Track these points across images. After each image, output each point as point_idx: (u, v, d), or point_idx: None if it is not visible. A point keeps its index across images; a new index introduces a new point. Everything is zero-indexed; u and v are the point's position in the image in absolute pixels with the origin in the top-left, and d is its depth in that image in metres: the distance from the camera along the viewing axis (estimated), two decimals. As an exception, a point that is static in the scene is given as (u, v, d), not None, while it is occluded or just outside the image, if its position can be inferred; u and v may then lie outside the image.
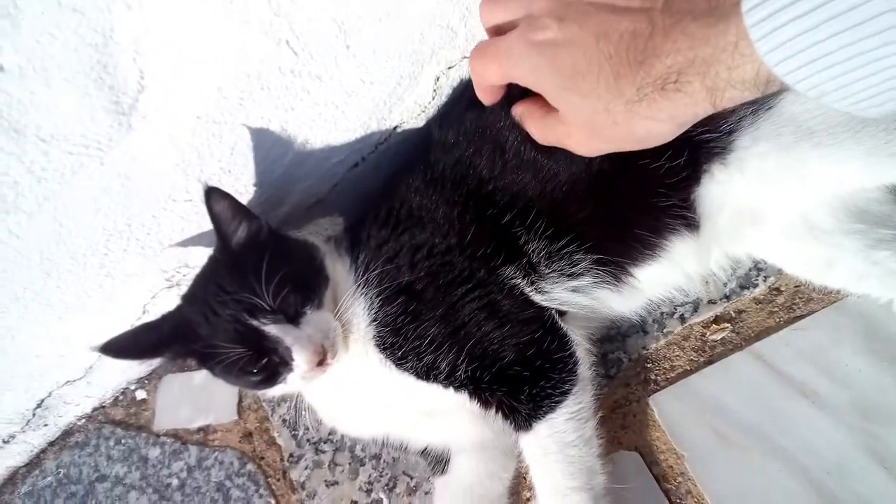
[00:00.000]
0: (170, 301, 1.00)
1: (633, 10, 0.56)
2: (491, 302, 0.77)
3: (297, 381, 0.77)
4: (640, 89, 0.56)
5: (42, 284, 0.87)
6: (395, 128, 0.91)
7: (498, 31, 0.67)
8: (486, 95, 0.70)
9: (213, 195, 0.78)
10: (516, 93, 0.69)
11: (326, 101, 0.83)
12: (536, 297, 0.79)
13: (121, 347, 0.79)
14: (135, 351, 0.80)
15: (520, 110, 0.71)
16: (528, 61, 0.62)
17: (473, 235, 0.78)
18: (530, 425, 0.76)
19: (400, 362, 0.78)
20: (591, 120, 0.61)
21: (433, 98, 0.90)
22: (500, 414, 0.78)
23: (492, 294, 0.77)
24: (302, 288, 0.77)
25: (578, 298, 0.81)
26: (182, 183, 0.84)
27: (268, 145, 0.85)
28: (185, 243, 0.92)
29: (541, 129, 0.69)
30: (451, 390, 0.78)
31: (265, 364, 0.76)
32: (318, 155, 0.89)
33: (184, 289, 0.99)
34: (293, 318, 0.76)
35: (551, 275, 0.79)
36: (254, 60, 0.74)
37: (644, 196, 0.78)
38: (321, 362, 0.75)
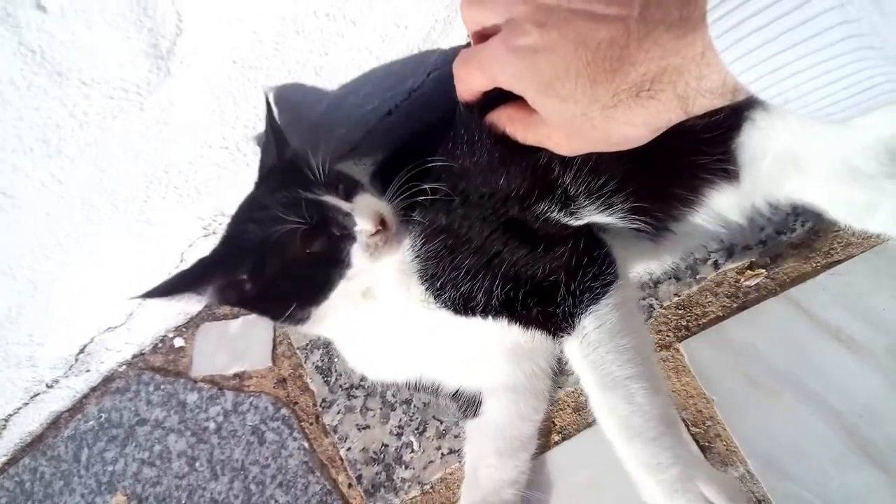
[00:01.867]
0: (207, 249, 1.02)
1: (610, 18, 0.58)
2: (526, 231, 0.77)
3: (361, 255, 0.75)
4: (616, 95, 0.58)
5: (84, 230, 0.89)
6: (429, 74, 0.91)
7: (481, 33, 0.70)
8: (473, 100, 0.75)
9: (271, 112, 0.81)
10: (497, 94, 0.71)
11: (360, 46, 0.83)
12: (573, 223, 0.78)
13: (162, 289, 0.77)
14: (177, 287, 0.77)
15: (503, 114, 0.74)
16: (511, 67, 0.65)
17: (508, 175, 0.78)
18: (572, 323, 0.73)
19: (439, 293, 0.78)
20: (571, 123, 0.64)
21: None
22: (538, 327, 0.76)
23: (527, 225, 0.77)
24: (349, 181, 0.80)
25: (615, 225, 0.80)
26: (218, 129, 0.85)
27: (303, 91, 0.85)
28: (222, 191, 0.94)
29: (523, 131, 0.72)
30: (489, 320, 0.77)
31: (325, 241, 0.74)
32: (352, 101, 0.90)
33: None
34: (345, 197, 0.77)
35: (588, 206, 0.79)
36: (289, 2, 0.74)
37: (683, 154, 0.77)
38: (383, 224, 0.75)
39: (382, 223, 0.75)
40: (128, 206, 0.88)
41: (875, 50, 0.43)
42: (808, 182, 0.78)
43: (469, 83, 0.72)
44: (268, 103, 0.80)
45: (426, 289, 0.79)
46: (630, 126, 0.60)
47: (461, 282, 0.77)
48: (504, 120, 0.74)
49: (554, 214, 0.78)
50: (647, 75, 0.56)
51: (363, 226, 0.74)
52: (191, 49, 0.74)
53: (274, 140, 0.82)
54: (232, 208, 0.97)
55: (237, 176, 0.92)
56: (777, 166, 0.78)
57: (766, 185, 0.80)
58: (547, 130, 0.68)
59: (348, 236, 0.74)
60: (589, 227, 0.78)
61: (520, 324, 0.78)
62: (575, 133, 0.65)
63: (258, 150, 0.90)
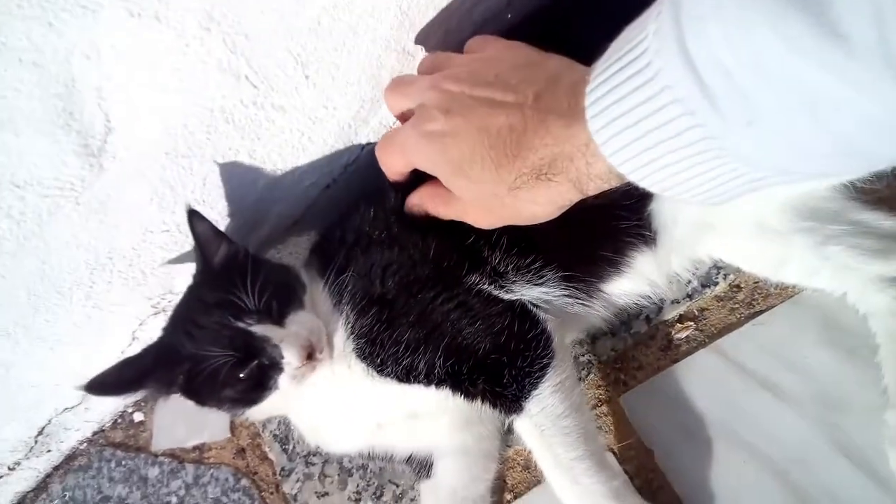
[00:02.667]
0: (157, 326, 1.03)
1: (507, 105, 0.62)
2: (461, 303, 0.80)
3: (289, 383, 0.78)
4: (518, 178, 0.62)
5: (32, 319, 0.90)
6: (363, 148, 0.94)
7: (402, 116, 0.75)
8: (399, 181, 0.79)
9: (195, 217, 0.82)
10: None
11: (292, 129, 0.86)
12: (505, 296, 0.81)
13: (104, 384, 0.80)
14: (119, 386, 0.82)
15: (423, 193, 0.78)
16: (423, 150, 0.69)
17: (436, 251, 0.81)
18: (519, 406, 0.78)
19: (380, 368, 0.80)
20: (483, 202, 0.68)
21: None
22: (486, 403, 0.80)
23: (460, 297, 0.80)
24: (283, 293, 0.81)
25: (548, 298, 0.83)
26: (158, 216, 0.87)
27: (239, 173, 0.88)
28: (167, 271, 0.96)
29: (443, 207, 0.76)
30: (432, 388, 0.80)
31: (254, 368, 0.78)
32: (290, 179, 0.92)
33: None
34: (278, 319, 0.79)
35: (518, 281, 0.82)
36: (216, 97, 0.77)
37: (606, 219, 0.81)
38: (310, 356, 0.78)
39: (310, 354, 0.78)
40: (73, 292, 0.90)
41: (727, 150, 0.46)
42: (722, 241, 0.82)
43: (390, 166, 0.76)
44: (189, 213, 0.82)
45: (367, 364, 0.81)
46: (535, 204, 0.64)
47: (402, 356, 0.79)
48: (424, 199, 0.77)
49: (486, 287, 0.81)
50: (543, 160, 0.59)
51: (290, 359, 0.77)
52: (122, 145, 0.76)
53: (199, 248, 0.84)
54: (179, 286, 0.99)
55: (181, 255, 0.94)
56: (690, 230, 0.81)
57: (681, 247, 0.83)
58: (463, 207, 0.73)
59: (277, 366, 0.78)
60: (523, 305, 0.81)
61: (465, 396, 0.80)
62: (488, 210, 0.70)
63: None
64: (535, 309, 0.81)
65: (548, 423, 0.77)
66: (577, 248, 0.81)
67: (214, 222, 0.91)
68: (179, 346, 0.80)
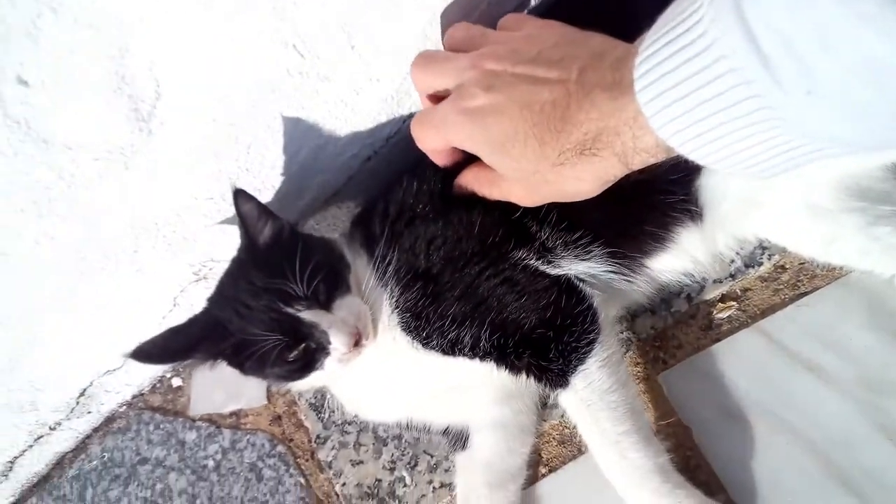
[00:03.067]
0: (198, 294, 1.05)
1: (551, 81, 0.61)
2: (507, 278, 0.80)
3: (335, 364, 0.81)
4: (562, 154, 0.62)
5: (78, 281, 0.92)
6: (405, 121, 0.94)
7: (433, 95, 0.74)
8: (439, 159, 0.78)
9: (241, 196, 0.81)
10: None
11: (336, 100, 0.86)
12: (551, 271, 0.81)
13: (150, 353, 0.82)
14: (165, 355, 0.85)
15: (468, 175, 0.78)
16: (463, 128, 0.68)
17: (481, 226, 0.81)
18: (566, 381, 0.78)
19: (426, 341, 0.81)
20: (526, 180, 0.68)
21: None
22: (531, 377, 0.80)
23: (506, 272, 0.80)
24: (330, 276, 0.81)
25: (593, 272, 0.83)
26: (203, 183, 0.88)
27: (283, 143, 0.88)
28: (210, 239, 0.97)
29: (488, 188, 0.76)
30: (477, 361, 0.81)
31: (302, 351, 0.80)
32: (332, 150, 0.92)
33: (211, 282, 1.04)
34: (325, 304, 0.80)
35: (566, 256, 0.82)
36: (263, 65, 0.77)
37: (653, 194, 0.80)
38: (357, 343, 0.79)
39: (357, 341, 0.79)
40: (119, 257, 0.91)
41: (785, 120, 0.45)
42: (769, 219, 0.80)
43: (427, 144, 0.76)
44: (235, 192, 0.82)
45: (412, 338, 0.82)
46: (579, 181, 0.64)
47: (448, 329, 0.79)
48: (470, 180, 0.78)
49: (532, 262, 0.80)
50: (588, 135, 0.59)
51: (338, 346, 0.79)
52: (171, 111, 0.77)
53: (245, 228, 0.84)
54: (221, 253, 1.00)
55: (224, 224, 0.95)
56: (738, 206, 0.80)
57: (728, 224, 0.82)
58: (508, 186, 0.73)
59: (324, 350, 0.79)
60: (569, 280, 0.80)
61: (510, 370, 0.81)
62: (532, 188, 0.70)
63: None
64: (581, 284, 0.81)
65: (594, 397, 0.77)
66: (624, 223, 0.81)
67: (256, 191, 0.92)
68: (227, 321, 0.82)
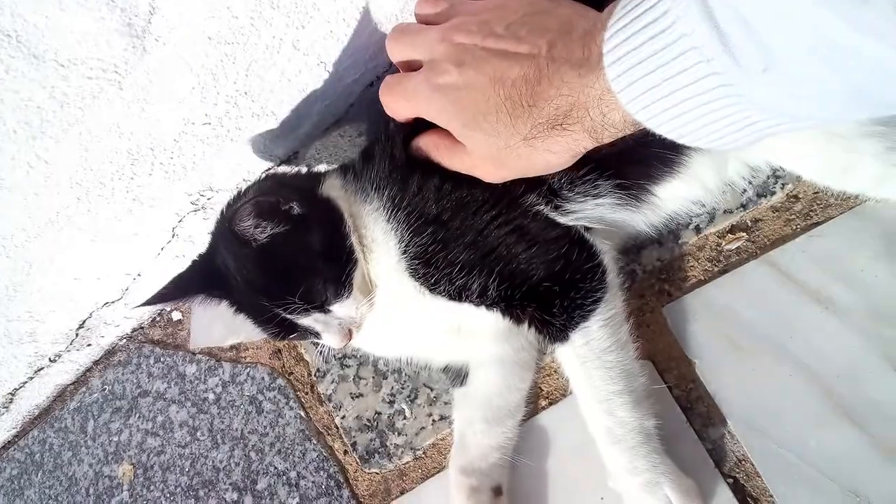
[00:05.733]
0: (196, 225, 1.04)
1: (522, 56, 0.62)
2: (518, 226, 0.78)
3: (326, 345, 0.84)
4: (534, 128, 0.63)
5: (74, 209, 0.91)
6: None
7: (406, 64, 0.75)
8: (403, 122, 0.79)
9: (237, 217, 0.75)
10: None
11: (337, 18, 0.83)
12: (561, 219, 0.80)
13: (160, 296, 0.86)
14: (166, 299, 0.87)
15: (428, 140, 0.77)
16: (434, 103, 0.70)
17: None
18: (566, 336, 0.78)
19: (433, 287, 0.80)
20: (496, 154, 0.68)
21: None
22: (533, 328, 0.80)
23: (517, 220, 0.79)
24: (330, 277, 0.79)
25: (602, 214, 0.82)
26: (199, 107, 0.86)
27: (282, 65, 0.85)
28: (208, 166, 0.95)
29: (448, 159, 0.75)
30: (482, 309, 0.80)
31: (297, 335, 0.83)
32: (334, 74, 0.90)
33: (210, 213, 1.03)
34: (322, 308, 0.79)
35: (574, 198, 0.80)
36: (261, -22, 0.74)
37: None
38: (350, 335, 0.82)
39: (350, 334, 0.82)
40: (115, 183, 0.90)
41: (743, 97, 0.48)
42: (784, 144, 0.78)
43: (395, 111, 0.76)
44: (229, 220, 0.79)
45: (420, 283, 0.81)
46: (550, 153, 0.65)
47: (456, 277, 0.78)
48: (430, 147, 0.77)
49: (542, 208, 0.79)
50: (559, 109, 0.61)
51: (330, 344, 0.82)
52: (166, 27, 0.74)
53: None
54: (219, 183, 0.99)
55: (221, 151, 0.93)
56: None
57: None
58: (472, 161, 0.73)
59: (317, 336, 0.83)
60: (581, 235, 0.79)
61: (513, 319, 0.81)
62: (501, 163, 0.70)
63: (241, 126, 0.91)
64: (592, 239, 0.79)
65: (591, 355, 0.77)
66: (631, 147, 0.78)
67: (255, 116, 0.90)
68: (230, 283, 0.81)
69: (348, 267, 0.80)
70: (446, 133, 0.72)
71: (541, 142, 0.64)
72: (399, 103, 0.75)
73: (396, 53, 0.76)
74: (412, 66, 0.73)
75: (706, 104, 0.49)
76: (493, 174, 0.74)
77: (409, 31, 0.75)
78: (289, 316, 0.79)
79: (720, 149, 0.54)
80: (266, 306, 0.78)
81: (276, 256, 0.78)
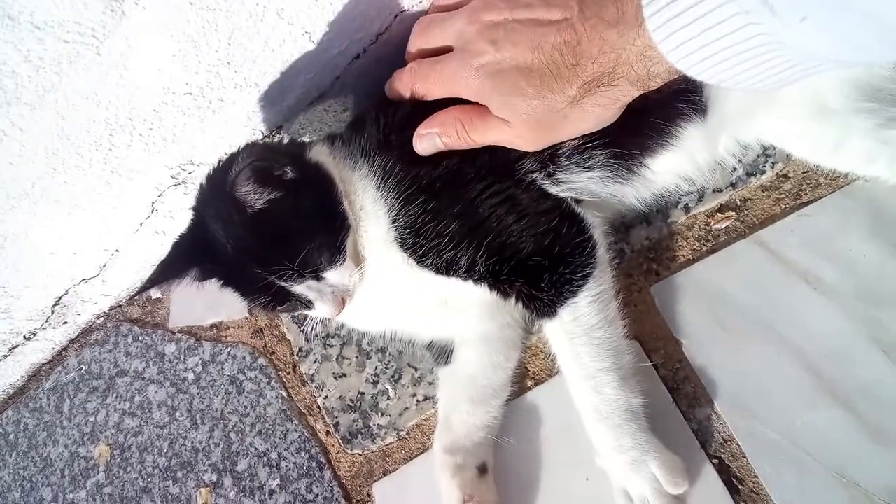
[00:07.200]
0: (176, 200, 1.01)
1: (556, 21, 0.65)
2: (510, 196, 0.77)
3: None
4: (581, 87, 0.65)
5: (50, 180, 0.88)
6: (396, 16, 0.89)
7: (432, 53, 0.78)
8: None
9: (237, 182, 0.73)
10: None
11: (323, -15, 0.81)
12: (552, 189, 0.79)
13: (154, 280, 0.83)
14: (160, 279, 0.83)
15: (452, 116, 0.76)
16: (473, 82, 0.71)
17: None
18: (554, 311, 0.77)
19: (421, 259, 0.79)
20: (541, 119, 0.69)
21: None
22: (520, 303, 0.80)
23: (510, 189, 0.78)
24: (325, 243, 0.77)
25: (593, 187, 0.81)
26: (180, 75, 0.83)
27: (266, 34, 0.83)
28: (188, 138, 0.92)
29: (481, 134, 0.75)
30: (470, 283, 0.79)
31: (287, 305, 0.81)
32: (319, 45, 0.87)
33: (190, 188, 1.00)
34: (316, 274, 0.78)
35: (569, 166, 0.79)
36: (245, -60, 0.72)
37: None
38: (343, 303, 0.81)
39: (343, 302, 0.80)
40: (92, 154, 0.87)
41: (783, 44, 0.50)
42: (776, 119, 0.77)
43: (428, 95, 0.78)
44: (231, 185, 0.74)
45: (408, 254, 0.80)
46: (600, 107, 0.67)
47: (444, 249, 0.77)
48: (457, 122, 0.75)
49: (536, 175, 0.78)
50: (604, 66, 0.62)
51: (323, 312, 0.81)
52: (145, -10, 0.72)
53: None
54: (201, 156, 0.96)
55: (203, 123, 0.90)
56: (744, 102, 0.77)
57: (732, 123, 0.79)
58: (513, 131, 0.72)
59: (308, 306, 0.81)
60: (571, 209, 0.79)
61: (501, 294, 0.80)
62: (546, 128, 0.71)
63: (223, 98, 0.88)
64: (583, 212, 0.79)
65: (579, 331, 0.76)
66: (632, 114, 0.77)
67: (238, 87, 0.88)
68: (219, 259, 0.78)
69: (342, 232, 0.79)
70: (475, 108, 0.74)
71: (588, 99, 0.66)
72: (433, 89, 0.77)
73: (423, 43, 0.79)
74: (432, 54, 0.77)
75: (746, 51, 0.52)
76: (537, 141, 0.74)
77: (436, 20, 0.78)
78: (282, 283, 0.77)
79: (759, 91, 0.57)
80: (259, 274, 0.76)
81: (270, 222, 0.76)
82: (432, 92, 0.77)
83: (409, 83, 0.80)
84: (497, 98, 0.70)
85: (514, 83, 0.67)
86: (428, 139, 0.77)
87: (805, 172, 0.82)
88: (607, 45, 0.60)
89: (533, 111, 0.68)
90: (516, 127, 0.71)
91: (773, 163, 0.83)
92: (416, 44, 0.81)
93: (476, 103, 0.74)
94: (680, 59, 0.56)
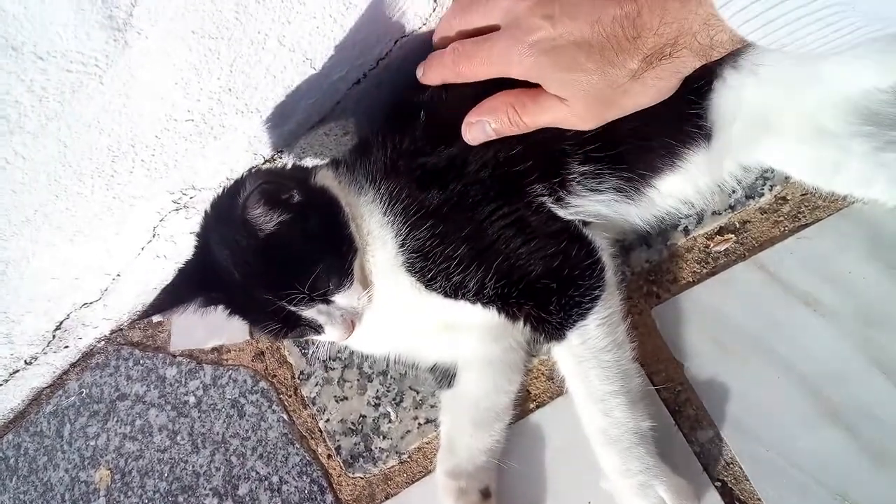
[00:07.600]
0: (178, 224, 1.01)
1: None
2: (518, 219, 0.78)
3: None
4: (643, 60, 0.63)
5: (52, 207, 0.88)
6: (396, 42, 0.90)
7: (473, 34, 0.75)
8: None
9: (248, 206, 0.73)
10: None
11: (323, 14, 0.81)
12: (560, 212, 0.79)
13: (154, 307, 0.84)
14: (164, 305, 0.83)
15: (502, 101, 0.74)
16: (527, 59, 0.69)
17: (518, 153, 0.78)
18: (563, 335, 0.77)
19: (429, 283, 0.79)
20: (600, 96, 0.67)
21: (434, 9, 0.88)
22: (528, 326, 0.79)
23: (519, 211, 0.78)
24: (332, 266, 0.77)
25: (600, 209, 0.81)
26: (182, 102, 0.84)
27: (267, 61, 0.84)
28: (190, 164, 0.93)
29: (535, 115, 0.73)
30: (478, 306, 0.79)
31: (297, 331, 0.81)
32: (320, 71, 0.88)
33: (192, 212, 1.01)
34: (325, 298, 0.77)
35: (579, 191, 0.79)
36: (246, -29, 0.73)
37: (676, 101, 0.76)
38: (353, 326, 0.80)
39: (352, 325, 0.80)
40: (95, 181, 0.87)
41: (849, 5, 0.49)
42: (778, 142, 0.78)
43: (474, 77, 0.75)
44: (242, 208, 0.74)
45: (416, 279, 0.79)
46: (661, 80, 0.65)
47: (453, 272, 0.77)
48: (509, 106, 0.74)
49: (545, 199, 0.78)
50: (666, 38, 0.61)
51: (333, 336, 0.80)
52: (148, 20, 0.72)
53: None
54: (202, 181, 0.97)
55: (205, 148, 0.91)
56: (748, 127, 0.78)
57: (736, 147, 0.80)
58: (570, 110, 0.70)
59: (317, 331, 0.81)
60: (580, 231, 0.79)
61: (509, 317, 0.80)
62: (606, 104, 0.69)
63: (224, 124, 0.89)
64: (591, 235, 0.79)
65: (588, 354, 0.76)
66: (646, 131, 0.78)
67: (239, 113, 0.89)
68: (225, 286, 0.79)
69: (350, 255, 0.79)
70: (526, 90, 0.72)
71: (650, 73, 0.64)
72: (480, 70, 0.74)
73: (462, 24, 0.77)
74: (471, 35, 0.74)
75: (811, 14, 0.51)
76: (595, 118, 0.72)
77: (476, 2, 0.75)
78: (293, 308, 0.76)
79: (820, 54, 0.56)
80: (268, 299, 0.76)
81: (280, 246, 0.76)
82: (478, 73, 0.75)
83: (452, 64, 0.77)
84: (554, 75, 0.68)
85: (573, 58, 0.65)
86: (478, 127, 0.76)
87: (804, 195, 0.83)
88: (669, 15, 0.59)
89: (592, 87, 0.66)
90: (574, 105, 0.70)
91: (771, 185, 0.84)
92: (453, 25, 0.78)
93: (525, 84, 0.72)
94: (742, 23, 0.55)
